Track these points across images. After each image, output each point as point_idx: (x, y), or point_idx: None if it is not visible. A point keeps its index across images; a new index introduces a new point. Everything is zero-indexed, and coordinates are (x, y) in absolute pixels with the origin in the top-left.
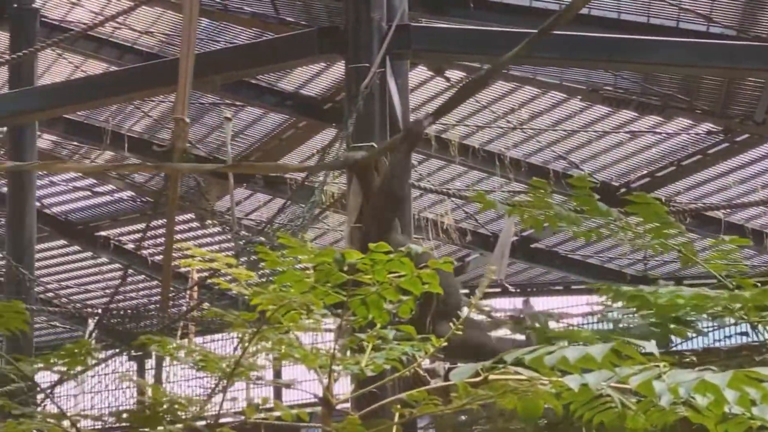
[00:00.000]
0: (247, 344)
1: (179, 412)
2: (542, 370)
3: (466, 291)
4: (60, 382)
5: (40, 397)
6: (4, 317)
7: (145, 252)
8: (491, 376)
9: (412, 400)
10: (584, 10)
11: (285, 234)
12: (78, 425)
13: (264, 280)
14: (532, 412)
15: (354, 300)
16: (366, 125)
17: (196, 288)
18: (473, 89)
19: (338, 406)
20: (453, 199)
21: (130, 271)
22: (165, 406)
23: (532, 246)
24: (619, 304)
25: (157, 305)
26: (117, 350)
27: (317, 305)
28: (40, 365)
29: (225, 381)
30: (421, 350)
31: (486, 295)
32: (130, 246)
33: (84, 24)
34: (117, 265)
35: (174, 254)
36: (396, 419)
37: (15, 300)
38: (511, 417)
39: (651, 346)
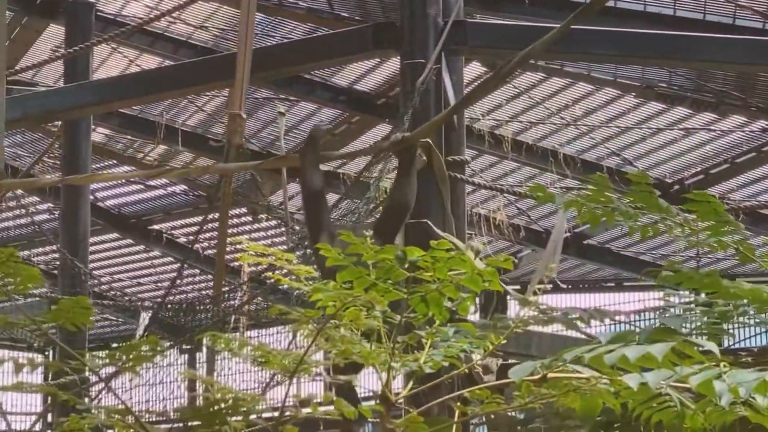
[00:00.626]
0: (312, 341)
1: (242, 409)
2: (602, 368)
3: (518, 287)
4: (115, 375)
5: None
6: (71, 312)
7: (197, 246)
8: (549, 375)
9: (474, 397)
10: (640, 6)
11: (346, 231)
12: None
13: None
14: (590, 411)
15: (414, 297)
16: (421, 121)
17: (247, 281)
18: (495, 83)
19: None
20: (506, 195)
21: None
22: (229, 403)
23: (585, 242)
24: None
25: (210, 299)
26: (171, 344)
27: (381, 303)
28: (106, 360)
29: (283, 378)
30: (479, 347)
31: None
32: (183, 240)
33: (139, 18)
34: (169, 259)
35: (227, 248)
36: (456, 417)
37: (80, 296)
38: (566, 415)
39: (711, 346)
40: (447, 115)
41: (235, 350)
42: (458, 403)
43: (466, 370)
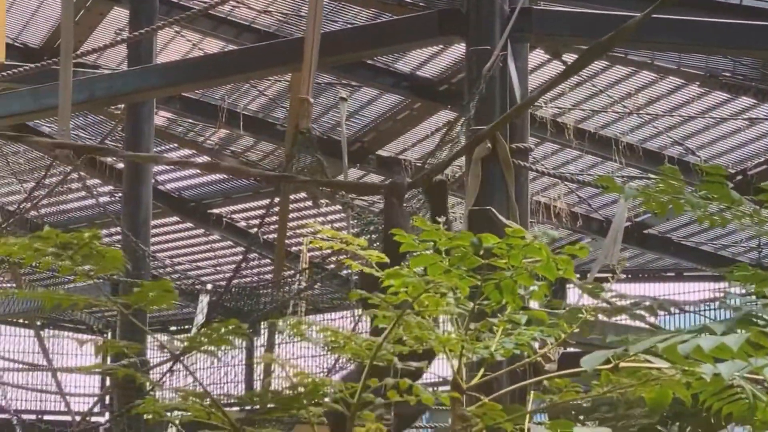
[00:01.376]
0: (391, 327)
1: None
2: (675, 359)
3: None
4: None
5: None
6: (154, 295)
7: (257, 230)
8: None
9: (553, 386)
10: None
11: (420, 217)
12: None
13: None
14: (661, 402)
15: (488, 284)
16: (486, 108)
17: (308, 266)
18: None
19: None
20: (567, 183)
21: (242, 248)
22: (306, 388)
23: (645, 231)
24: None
25: (270, 284)
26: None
27: (464, 290)
28: (186, 344)
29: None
30: (550, 335)
31: (597, 281)
32: (242, 224)
33: (203, 2)
34: (228, 243)
35: (287, 233)
36: (529, 405)
37: (162, 279)
38: (632, 405)
39: None
40: (517, 111)
41: (306, 335)
42: (532, 392)
43: (538, 359)
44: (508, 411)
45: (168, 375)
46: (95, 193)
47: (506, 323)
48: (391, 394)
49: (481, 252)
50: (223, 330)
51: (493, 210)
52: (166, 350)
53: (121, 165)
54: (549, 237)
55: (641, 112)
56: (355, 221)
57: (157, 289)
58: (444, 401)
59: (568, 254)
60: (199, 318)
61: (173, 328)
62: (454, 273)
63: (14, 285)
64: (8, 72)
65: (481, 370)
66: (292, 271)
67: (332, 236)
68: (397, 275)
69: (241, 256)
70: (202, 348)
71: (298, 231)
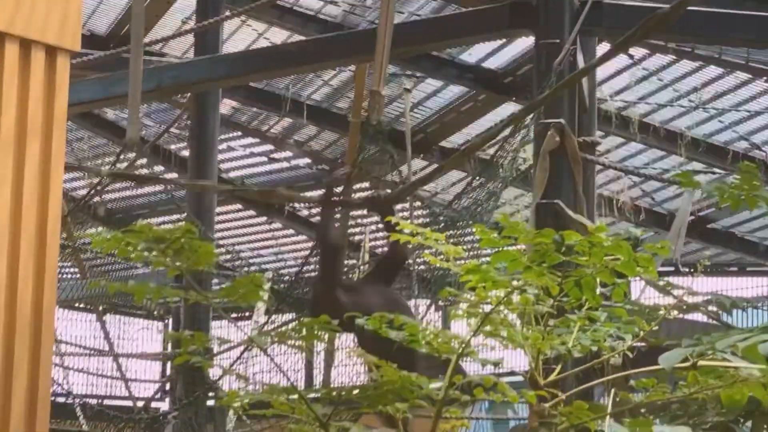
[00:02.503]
0: (479, 323)
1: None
2: (755, 358)
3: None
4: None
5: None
6: (245, 291)
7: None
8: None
9: (639, 386)
10: None
11: (505, 215)
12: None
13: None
14: (737, 401)
15: (568, 281)
16: (555, 102)
17: (368, 258)
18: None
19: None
20: (630, 176)
21: (303, 236)
22: (396, 385)
23: (708, 226)
24: None
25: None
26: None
27: (554, 288)
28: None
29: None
30: (628, 332)
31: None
32: (304, 213)
33: None
34: (290, 231)
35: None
36: (610, 403)
37: (254, 273)
38: (704, 403)
39: None
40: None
41: (382, 329)
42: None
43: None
44: (592, 410)
45: (237, 364)
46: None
47: (584, 320)
48: (478, 391)
49: (563, 249)
50: (312, 326)
51: (561, 203)
52: (249, 343)
53: (185, 153)
54: (631, 235)
55: (707, 106)
56: (424, 212)
57: (248, 285)
58: (530, 399)
59: (650, 252)
60: (260, 306)
61: (233, 315)
62: (534, 270)
63: (77, 271)
64: (79, 60)
65: (559, 366)
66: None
67: (414, 231)
68: (476, 271)
69: (301, 245)
70: (291, 342)
71: (360, 222)
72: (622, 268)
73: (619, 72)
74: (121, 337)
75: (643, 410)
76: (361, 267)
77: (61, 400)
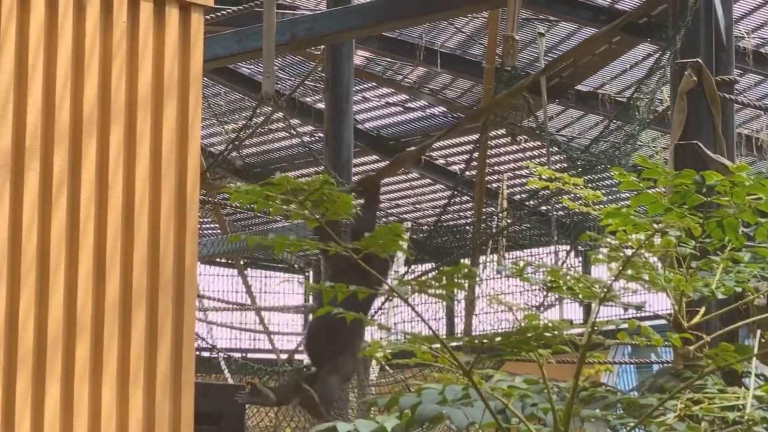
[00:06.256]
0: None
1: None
2: None
3: None
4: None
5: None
6: (385, 240)
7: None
8: None
9: None
10: None
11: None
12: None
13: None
14: None
15: (710, 222)
16: (691, 41)
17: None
18: None
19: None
20: None
21: (440, 186)
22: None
23: None
24: None
25: (471, 223)
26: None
27: (695, 230)
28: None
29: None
30: None
31: None
32: (441, 162)
33: None
34: (427, 180)
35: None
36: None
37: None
38: None
39: None
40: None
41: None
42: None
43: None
44: (738, 351)
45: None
46: (293, 133)
47: (727, 261)
48: (622, 335)
49: (704, 190)
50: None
51: (700, 144)
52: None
53: (321, 105)
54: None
55: None
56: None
57: (388, 234)
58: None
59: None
60: (400, 256)
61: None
62: (675, 211)
63: (218, 226)
64: (212, 15)
65: (702, 309)
66: (492, 209)
67: (551, 176)
68: (617, 214)
69: (439, 194)
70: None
71: (496, 168)
72: (765, 207)
73: (757, 8)
74: (263, 291)
75: None
76: (501, 214)
77: (205, 354)
